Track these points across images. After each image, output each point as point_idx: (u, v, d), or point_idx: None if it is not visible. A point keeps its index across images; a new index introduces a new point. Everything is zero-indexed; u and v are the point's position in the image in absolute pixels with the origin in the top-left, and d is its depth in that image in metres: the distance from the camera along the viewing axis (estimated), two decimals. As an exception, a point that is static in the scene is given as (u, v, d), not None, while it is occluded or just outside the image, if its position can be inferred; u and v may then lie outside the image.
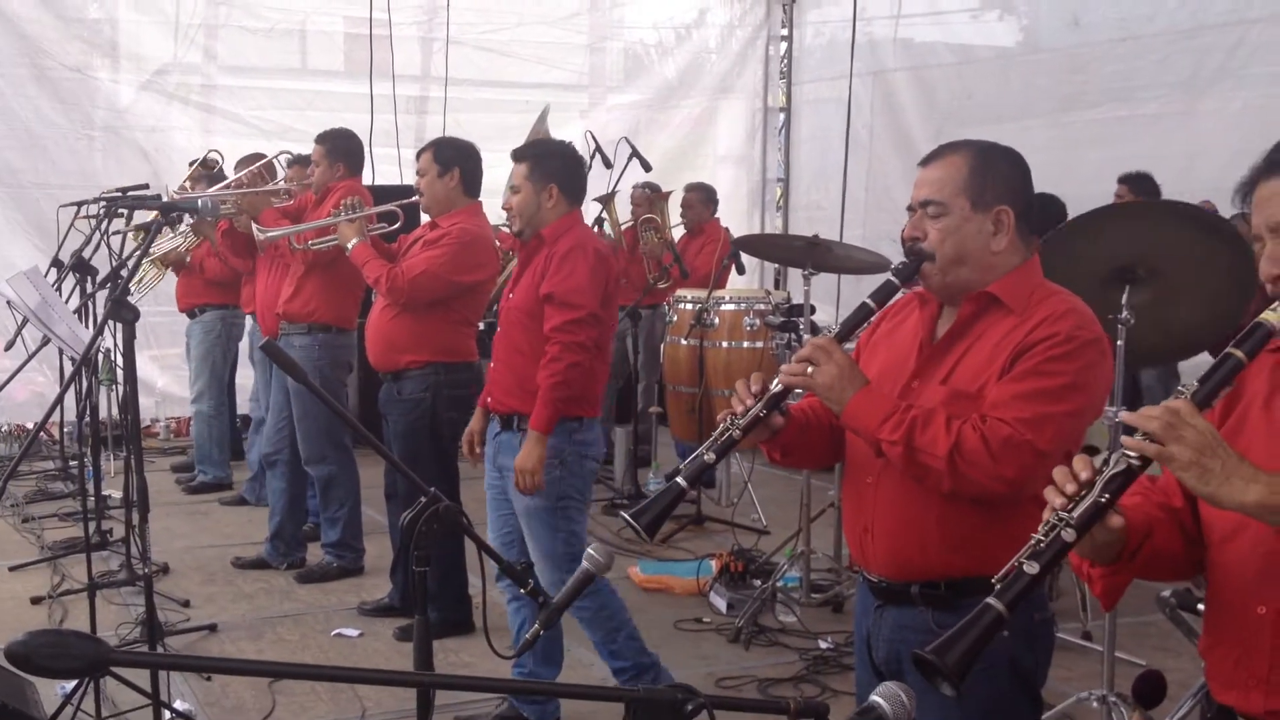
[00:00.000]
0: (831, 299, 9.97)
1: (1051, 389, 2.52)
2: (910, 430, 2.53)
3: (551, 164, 4.50)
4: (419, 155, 5.57)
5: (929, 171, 2.69)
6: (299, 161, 6.96)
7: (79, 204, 6.96)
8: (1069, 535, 1.97)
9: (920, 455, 2.53)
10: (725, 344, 7.69)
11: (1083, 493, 1.98)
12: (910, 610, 2.69)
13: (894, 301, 2.84)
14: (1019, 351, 2.56)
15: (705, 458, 2.63)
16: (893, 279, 2.69)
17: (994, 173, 2.66)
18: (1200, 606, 3.61)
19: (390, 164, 9.77)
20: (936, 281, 2.68)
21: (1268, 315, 1.99)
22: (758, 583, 6.01)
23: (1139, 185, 7.82)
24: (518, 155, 4.57)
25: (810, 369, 2.62)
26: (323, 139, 6.48)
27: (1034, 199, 2.73)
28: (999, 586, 1.99)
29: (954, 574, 2.62)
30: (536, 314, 4.40)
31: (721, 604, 5.93)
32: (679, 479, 2.62)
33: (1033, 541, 1.99)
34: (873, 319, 2.81)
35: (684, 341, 7.78)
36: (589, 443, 4.50)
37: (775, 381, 2.66)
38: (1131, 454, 1.95)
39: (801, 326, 6.27)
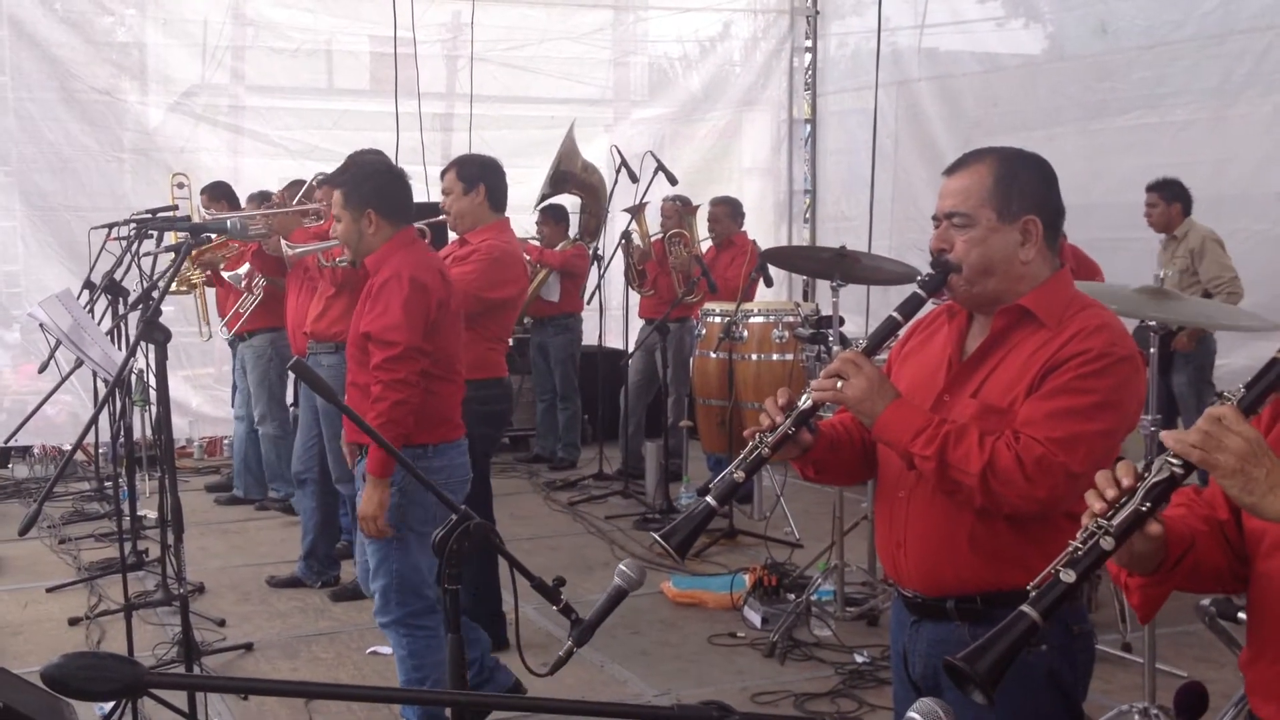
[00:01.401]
0: (860, 310, 9.94)
1: (1083, 407, 2.48)
2: (943, 445, 2.51)
3: (364, 188, 4.37)
4: (443, 174, 5.57)
5: (953, 181, 2.66)
6: (329, 181, 6.98)
7: (109, 226, 7.01)
8: (1107, 544, 1.94)
9: (952, 471, 2.51)
10: (754, 357, 7.67)
11: (1123, 500, 1.95)
12: (946, 625, 2.66)
13: (924, 315, 2.81)
14: (1050, 367, 2.52)
15: (734, 476, 2.61)
16: (919, 291, 2.65)
17: (1020, 182, 2.62)
18: (1241, 616, 3.58)
19: (417, 181, 9.62)
20: (963, 293, 2.65)
21: None
22: (792, 596, 5.98)
23: (1169, 191, 7.77)
24: (332, 182, 4.47)
25: (840, 383, 2.60)
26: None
27: (1062, 207, 2.69)
28: (1034, 594, 1.96)
29: (988, 588, 2.59)
30: (365, 347, 4.31)
31: (756, 618, 5.90)
32: (709, 499, 2.61)
33: (1070, 549, 1.97)
34: (900, 332, 2.79)
35: (713, 355, 7.76)
36: (436, 470, 4.35)
37: (804, 397, 2.63)
38: (1174, 461, 1.91)
39: (830, 338, 6.25)
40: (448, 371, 4.42)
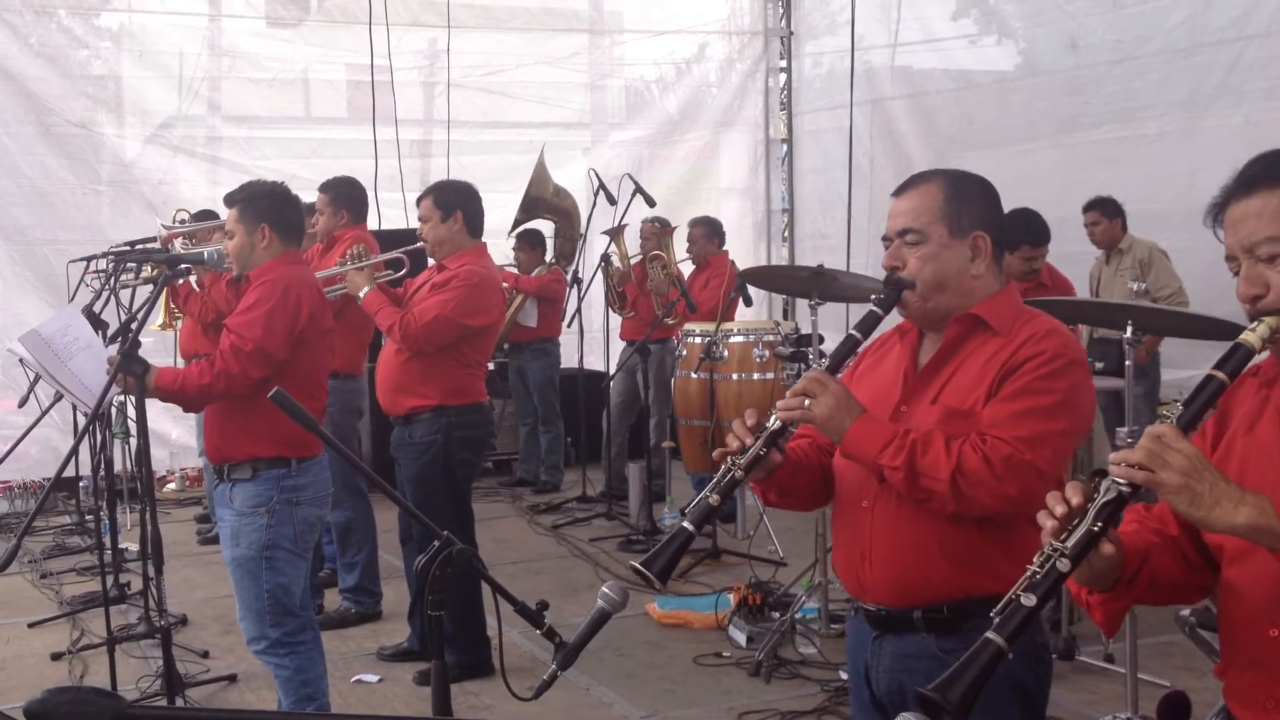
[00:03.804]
0: (840, 328, 9.93)
1: (1045, 406, 2.54)
2: (911, 454, 2.52)
3: (260, 204, 4.46)
4: (419, 202, 5.57)
5: (903, 201, 2.72)
6: (225, 200, 6.96)
7: (88, 259, 7.00)
8: (1064, 565, 1.98)
9: (923, 479, 2.53)
10: (735, 376, 7.69)
11: (1076, 521, 1.99)
12: (912, 638, 2.66)
13: (875, 338, 2.85)
14: (1008, 370, 2.58)
15: (709, 500, 2.61)
16: (875, 309, 2.70)
17: (968, 199, 2.70)
18: (1220, 625, 3.61)
19: (395, 208, 9.83)
20: (917, 309, 2.70)
21: (1247, 336, 2.01)
22: (776, 615, 5.98)
23: (1108, 208, 7.93)
24: (229, 200, 4.57)
25: (807, 402, 2.62)
26: (326, 187, 6.51)
27: (1005, 225, 2.79)
28: (998, 620, 1.99)
29: (957, 596, 2.60)
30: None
31: (741, 637, 5.91)
32: (685, 523, 2.61)
33: (1029, 573, 2.00)
34: (859, 349, 2.82)
35: (694, 375, 7.78)
36: (302, 487, 4.36)
37: (773, 418, 2.64)
38: (1121, 481, 1.96)
39: (810, 356, 6.27)
40: (309, 388, 4.43)
